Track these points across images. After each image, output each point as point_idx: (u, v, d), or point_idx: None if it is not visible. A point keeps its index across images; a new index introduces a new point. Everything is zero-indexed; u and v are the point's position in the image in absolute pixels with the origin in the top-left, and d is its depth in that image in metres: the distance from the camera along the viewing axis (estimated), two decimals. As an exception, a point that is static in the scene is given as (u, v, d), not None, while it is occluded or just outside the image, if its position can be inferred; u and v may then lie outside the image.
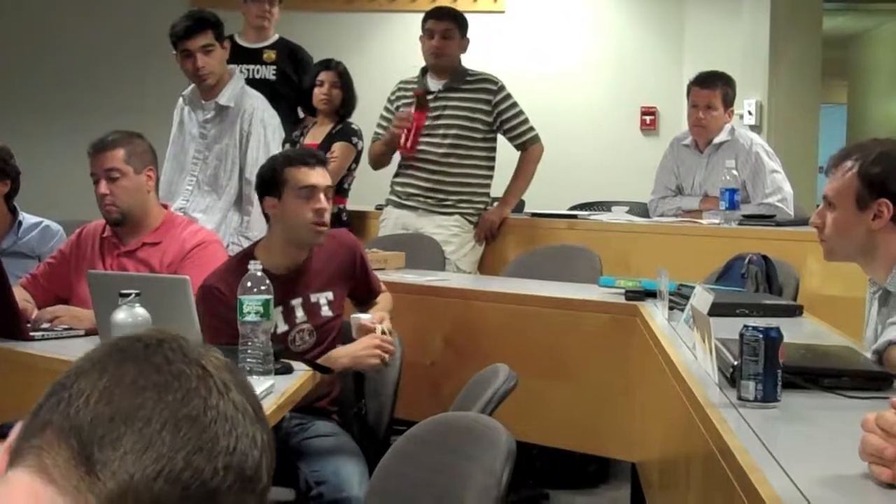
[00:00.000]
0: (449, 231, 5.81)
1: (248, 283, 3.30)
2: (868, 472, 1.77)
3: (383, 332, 3.74)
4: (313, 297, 3.89)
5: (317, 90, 5.88)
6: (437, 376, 4.31)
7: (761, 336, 2.30)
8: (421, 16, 6.05)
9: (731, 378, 2.46)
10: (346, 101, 5.91)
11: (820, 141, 19.69)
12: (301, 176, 3.77)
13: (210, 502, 0.97)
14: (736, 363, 2.40)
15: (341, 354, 3.69)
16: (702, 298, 2.86)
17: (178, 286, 3.38)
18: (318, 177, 3.82)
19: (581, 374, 4.35)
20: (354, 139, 5.83)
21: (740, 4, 7.72)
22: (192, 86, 5.15)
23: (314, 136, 5.89)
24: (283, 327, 3.81)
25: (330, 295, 3.92)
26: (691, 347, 2.96)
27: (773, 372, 2.30)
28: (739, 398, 2.34)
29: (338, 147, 5.75)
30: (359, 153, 5.87)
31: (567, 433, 4.42)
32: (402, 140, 5.75)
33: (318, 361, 3.57)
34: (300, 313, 3.85)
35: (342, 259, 3.98)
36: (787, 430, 2.27)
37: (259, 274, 3.32)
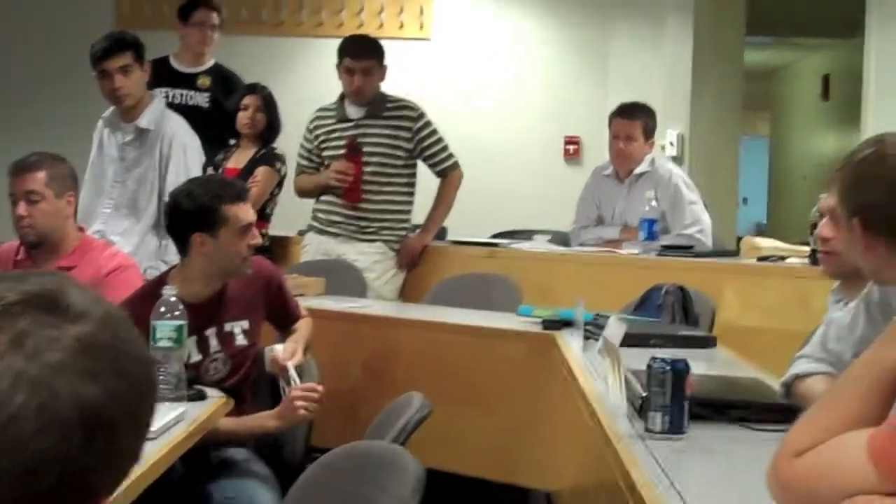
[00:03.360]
0: (371, 258, 5.80)
1: (162, 309, 3.28)
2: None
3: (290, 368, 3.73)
4: (227, 326, 3.84)
5: (241, 114, 5.85)
6: (355, 403, 4.29)
7: (668, 368, 2.32)
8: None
9: (641, 409, 2.47)
10: (269, 125, 5.88)
11: (742, 172, 19.96)
12: (240, 214, 3.70)
13: None
14: (644, 394, 2.42)
15: (268, 419, 3.66)
16: (614, 328, 2.87)
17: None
18: (252, 212, 3.79)
19: (498, 402, 4.35)
20: (277, 164, 5.81)
21: (663, 37, 7.80)
22: (113, 108, 5.11)
23: (237, 160, 5.86)
24: (196, 356, 3.76)
25: (245, 324, 3.87)
26: (604, 378, 2.98)
27: (679, 404, 2.32)
28: (647, 430, 2.35)
29: (261, 172, 5.73)
30: (282, 178, 5.85)
31: (484, 462, 4.41)
32: (346, 193, 5.75)
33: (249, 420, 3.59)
34: (214, 342, 3.81)
35: (258, 287, 3.94)
36: (692, 462, 2.28)
37: (173, 299, 3.29)
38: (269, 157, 5.81)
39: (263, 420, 3.66)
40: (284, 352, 3.80)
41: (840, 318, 2.79)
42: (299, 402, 3.61)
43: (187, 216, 3.71)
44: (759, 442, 1.83)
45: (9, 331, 1.02)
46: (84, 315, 1.07)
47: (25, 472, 1.00)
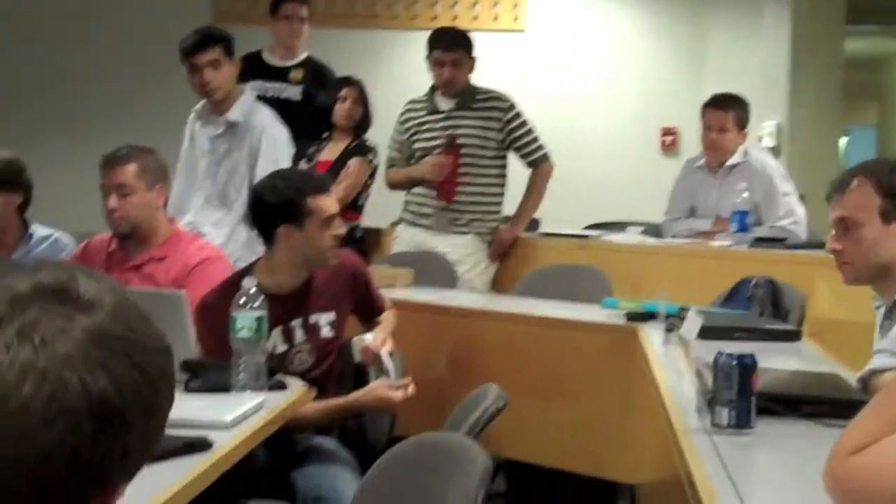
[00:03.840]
0: (462, 250, 5.81)
1: (242, 300, 3.32)
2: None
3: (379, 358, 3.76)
4: (313, 318, 3.87)
5: (339, 106, 5.92)
6: (439, 394, 4.30)
7: (735, 363, 2.29)
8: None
9: (709, 404, 2.45)
10: (364, 117, 5.96)
11: (851, 162, 19.57)
12: (325, 206, 3.74)
13: None
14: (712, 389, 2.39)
15: (353, 405, 3.71)
16: (692, 322, 2.86)
17: (174, 302, 3.40)
18: (336, 202, 3.84)
19: (582, 395, 4.34)
20: (370, 155, 5.87)
21: (761, 26, 7.69)
22: (204, 101, 5.18)
23: (331, 152, 5.92)
24: (281, 347, 3.80)
25: (331, 315, 3.90)
26: (679, 371, 2.96)
27: (746, 399, 2.29)
28: (713, 424, 2.33)
29: (354, 163, 5.79)
30: (374, 169, 5.90)
31: (567, 454, 4.40)
32: (441, 188, 5.79)
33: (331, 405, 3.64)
34: (300, 333, 3.84)
35: (344, 279, 3.97)
36: (755, 458, 2.26)
37: (253, 290, 3.33)
38: (361, 149, 5.87)
39: (349, 401, 3.69)
40: (375, 340, 3.83)
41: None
42: (397, 393, 3.64)
43: (272, 209, 3.75)
44: (828, 438, 1.79)
45: (17, 322, 1.04)
46: (95, 305, 1.09)
47: (36, 461, 1.02)
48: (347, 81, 6.01)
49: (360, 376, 3.92)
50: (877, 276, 3.04)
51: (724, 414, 2.31)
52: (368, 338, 3.85)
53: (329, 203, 3.77)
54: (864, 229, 2.97)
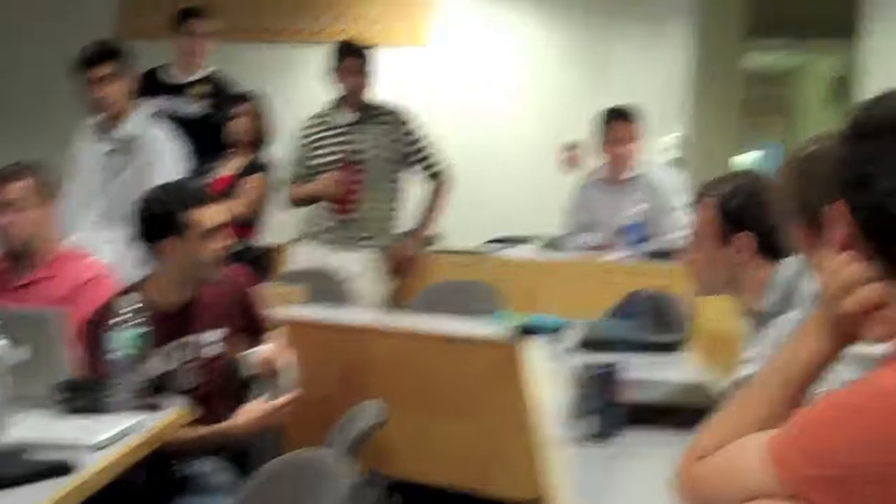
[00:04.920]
0: (361, 265, 5.80)
1: (120, 318, 3.26)
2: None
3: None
4: (201, 335, 3.83)
5: (234, 122, 5.86)
6: (326, 412, 4.23)
7: (600, 373, 2.29)
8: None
9: (579, 415, 2.45)
10: (262, 133, 5.90)
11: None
12: (206, 218, 3.69)
13: None
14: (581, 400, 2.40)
15: (240, 430, 3.65)
16: (574, 335, 2.86)
17: (51, 321, 3.34)
18: (221, 213, 3.78)
19: (470, 410, 4.34)
20: (268, 171, 5.83)
21: (662, 42, 7.76)
22: (99, 116, 5.12)
23: (231, 168, 5.87)
24: (168, 365, 3.75)
25: (218, 333, 3.85)
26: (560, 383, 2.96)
27: (611, 409, 2.30)
28: (581, 435, 2.33)
29: (253, 180, 5.75)
30: (271, 188, 5.86)
31: (459, 471, 4.39)
32: (339, 203, 5.79)
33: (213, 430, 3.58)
34: (187, 351, 3.79)
35: (232, 297, 3.92)
36: (620, 468, 2.27)
37: (131, 308, 3.28)
38: (261, 165, 5.82)
39: (228, 426, 3.65)
40: (274, 351, 3.80)
41: (793, 317, 2.77)
42: (266, 406, 3.62)
43: (154, 222, 3.71)
44: (690, 447, 1.79)
45: None
46: None
47: None
48: (243, 98, 5.96)
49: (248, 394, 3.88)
50: (724, 288, 3.09)
51: (592, 424, 2.31)
52: (264, 350, 3.81)
53: (210, 215, 3.71)
54: (703, 246, 3.03)
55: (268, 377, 3.77)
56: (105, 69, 4.95)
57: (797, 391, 1.72)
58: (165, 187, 3.91)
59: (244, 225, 5.73)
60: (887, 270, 1.62)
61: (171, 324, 3.66)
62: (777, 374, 1.74)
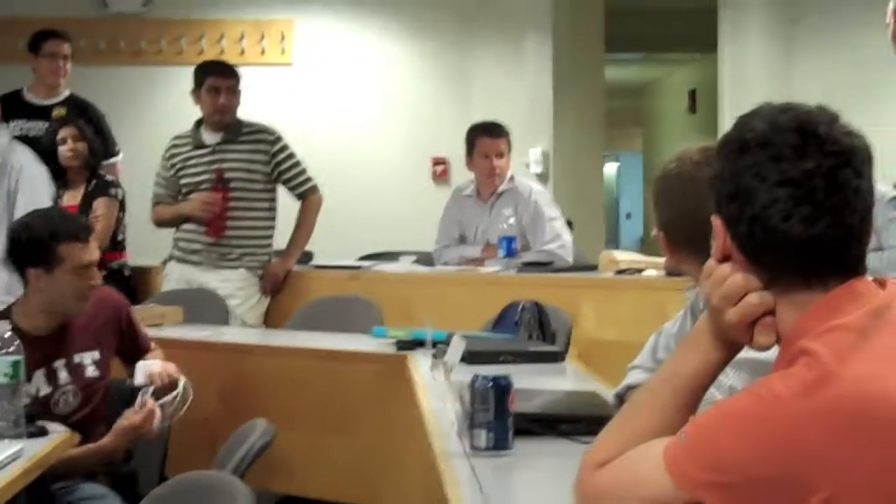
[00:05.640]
0: (234, 285, 5.76)
1: (-6, 346, 3.20)
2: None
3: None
4: (77, 358, 3.78)
5: (62, 148, 5.70)
6: (210, 433, 4.23)
7: (490, 385, 2.33)
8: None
9: (469, 426, 2.48)
10: (93, 151, 5.78)
11: (623, 189, 20.25)
12: (78, 254, 3.63)
13: None
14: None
15: (116, 446, 3.63)
16: (455, 347, 2.89)
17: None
18: (93, 252, 3.72)
19: (355, 425, 4.35)
20: (112, 191, 5.74)
21: (524, 57, 7.88)
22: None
23: (72, 196, 5.72)
24: (45, 390, 3.69)
25: (96, 354, 3.82)
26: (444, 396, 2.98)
27: (503, 420, 2.33)
28: (472, 447, 2.35)
29: (100, 205, 5.65)
30: (121, 203, 5.77)
31: (345, 486, 4.40)
32: (210, 225, 5.74)
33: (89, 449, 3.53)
34: (63, 374, 3.74)
35: (107, 317, 3.88)
36: (513, 479, 2.30)
37: (7, 335, 3.22)
38: (102, 188, 5.73)
39: (99, 444, 3.60)
40: (158, 366, 3.79)
41: (668, 326, 2.83)
42: (137, 417, 3.59)
43: (23, 250, 3.66)
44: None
45: None
46: None
47: None
48: (62, 123, 5.83)
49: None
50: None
51: (483, 436, 2.34)
52: (157, 364, 3.79)
53: (84, 252, 3.65)
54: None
55: (164, 390, 3.75)
56: None
57: (688, 399, 1.77)
58: (42, 214, 3.85)
59: (107, 249, 5.67)
60: (767, 279, 1.68)
61: (43, 348, 3.62)
62: (667, 384, 1.78)
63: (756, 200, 1.63)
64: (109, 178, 5.80)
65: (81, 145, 5.72)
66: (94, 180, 5.75)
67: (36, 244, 3.61)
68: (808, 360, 1.56)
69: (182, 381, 3.77)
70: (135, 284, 5.88)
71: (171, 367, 3.84)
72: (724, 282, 1.69)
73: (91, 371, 3.80)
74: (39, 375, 3.65)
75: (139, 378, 3.78)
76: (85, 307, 3.72)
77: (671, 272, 3.39)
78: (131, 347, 3.99)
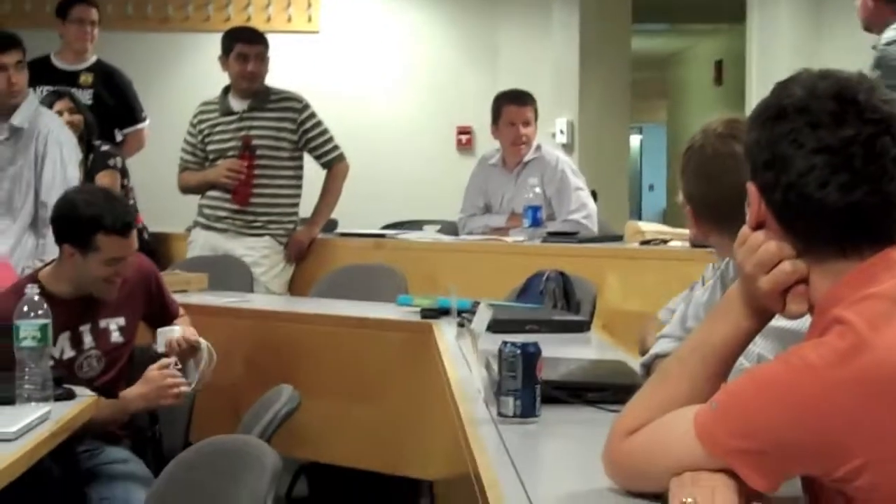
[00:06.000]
0: (259, 252, 5.77)
1: (25, 308, 3.21)
2: (609, 487, 1.80)
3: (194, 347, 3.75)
4: (103, 323, 3.80)
5: None
6: (235, 398, 4.26)
7: (518, 352, 2.32)
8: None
9: (496, 394, 2.48)
10: (88, 124, 5.70)
11: (646, 160, 20.15)
12: (116, 248, 3.61)
13: None
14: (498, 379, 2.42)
15: (133, 397, 3.63)
16: (482, 315, 2.89)
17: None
18: (131, 246, 3.69)
19: (380, 393, 4.36)
20: (111, 161, 5.68)
21: (551, 25, 7.84)
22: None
23: None
24: (69, 353, 3.71)
25: (121, 321, 3.83)
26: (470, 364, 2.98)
27: (531, 387, 2.33)
28: (499, 414, 2.36)
29: (103, 179, 5.56)
30: (122, 171, 5.75)
31: (368, 453, 4.41)
32: (235, 192, 5.75)
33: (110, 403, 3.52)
34: (88, 339, 3.76)
35: (135, 284, 3.89)
36: (540, 446, 2.30)
37: (36, 298, 3.23)
38: (101, 160, 5.66)
39: (129, 396, 3.62)
40: (185, 331, 3.81)
41: (699, 296, 2.82)
42: (169, 391, 3.62)
43: (64, 225, 3.67)
44: (611, 423, 1.83)
45: None
46: None
47: None
48: (58, 95, 5.72)
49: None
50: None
51: (510, 403, 2.34)
52: (177, 330, 3.80)
53: (121, 247, 3.63)
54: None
55: (185, 356, 3.77)
56: (17, 55, 4.86)
57: (718, 367, 1.77)
58: (91, 196, 3.76)
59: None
60: (801, 248, 1.67)
61: (69, 312, 3.63)
62: (697, 352, 1.78)
63: (792, 168, 1.62)
64: (104, 148, 5.73)
65: (77, 118, 5.62)
66: (90, 154, 5.67)
67: (77, 226, 3.61)
68: (842, 329, 1.55)
69: (204, 344, 3.78)
70: (155, 249, 5.89)
71: (191, 332, 3.84)
72: (758, 249, 1.69)
73: (116, 336, 3.82)
74: (64, 339, 3.67)
75: (159, 346, 3.80)
76: (111, 295, 3.73)
77: (696, 244, 3.38)
78: (159, 313, 4.01)
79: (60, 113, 5.63)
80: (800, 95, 1.63)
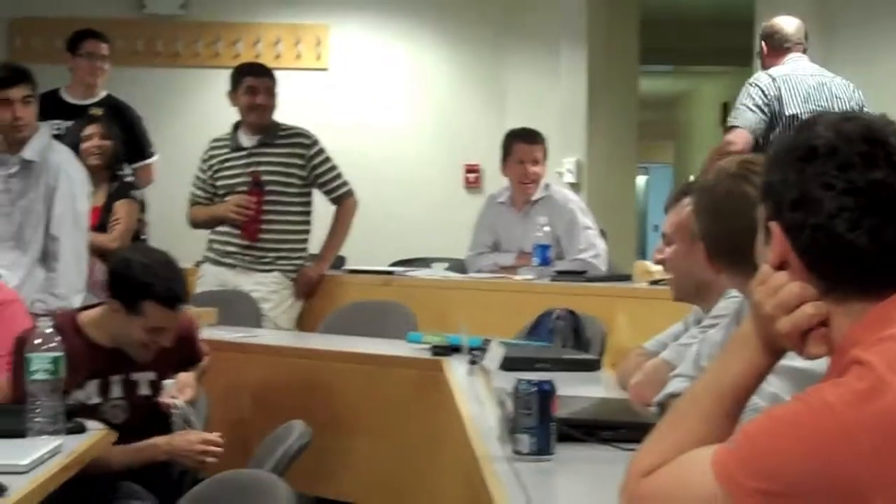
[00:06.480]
0: (267, 288, 5.79)
1: (37, 341, 3.22)
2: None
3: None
4: (134, 376, 3.74)
5: (86, 145, 5.62)
6: (244, 433, 4.26)
7: (534, 389, 2.33)
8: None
9: (510, 432, 2.48)
10: (116, 152, 5.73)
11: (652, 200, 20.15)
12: (161, 318, 3.57)
13: None
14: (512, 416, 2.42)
15: (162, 446, 3.60)
16: (494, 352, 2.90)
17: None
18: (175, 319, 3.64)
19: (389, 430, 4.36)
20: (133, 193, 5.72)
21: (559, 66, 7.88)
22: (-1, 138, 5.03)
23: (95, 198, 5.71)
24: (95, 399, 3.68)
25: (152, 375, 3.77)
26: (482, 401, 2.99)
27: (546, 425, 2.33)
28: (515, 452, 2.36)
29: (121, 207, 5.59)
30: (141, 205, 5.78)
31: (376, 490, 4.41)
32: (245, 228, 5.77)
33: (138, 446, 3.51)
34: (117, 389, 3.71)
35: (173, 345, 3.83)
36: (556, 483, 2.29)
37: (49, 331, 3.24)
38: (124, 189, 5.69)
39: (159, 443, 3.60)
40: (176, 386, 3.75)
41: (712, 335, 2.82)
42: (199, 457, 3.57)
43: (115, 281, 3.62)
44: (625, 461, 1.83)
45: None
46: None
47: None
48: (90, 119, 5.80)
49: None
50: (696, 293, 3.11)
51: (525, 441, 2.34)
52: (169, 384, 3.76)
53: (166, 318, 3.59)
54: (676, 246, 3.04)
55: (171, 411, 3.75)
56: (25, 90, 4.86)
57: (732, 406, 1.76)
58: (149, 260, 3.67)
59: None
60: (823, 288, 1.67)
61: (104, 360, 3.63)
62: (710, 390, 1.77)
63: (822, 209, 1.61)
64: (129, 179, 5.78)
65: (106, 144, 5.67)
66: (115, 182, 5.71)
67: (128, 286, 3.57)
68: (861, 370, 1.55)
69: (180, 408, 3.67)
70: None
71: (183, 384, 3.75)
72: (780, 290, 1.68)
73: (144, 390, 3.76)
74: (93, 385, 3.65)
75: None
76: (145, 358, 3.69)
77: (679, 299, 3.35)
78: (188, 363, 3.96)
79: (90, 137, 5.67)
80: (828, 137, 1.64)
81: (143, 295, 3.53)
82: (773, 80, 5.44)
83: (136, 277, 3.55)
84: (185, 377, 3.80)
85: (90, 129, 5.68)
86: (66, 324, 3.55)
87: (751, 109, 5.40)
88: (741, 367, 1.75)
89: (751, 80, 5.57)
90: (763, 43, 5.74)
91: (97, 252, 5.09)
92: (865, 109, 5.37)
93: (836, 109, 5.27)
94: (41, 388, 3.16)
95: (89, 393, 3.63)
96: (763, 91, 5.41)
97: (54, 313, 3.82)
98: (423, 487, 4.19)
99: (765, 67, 5.66)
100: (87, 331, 3.55)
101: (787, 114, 5.38)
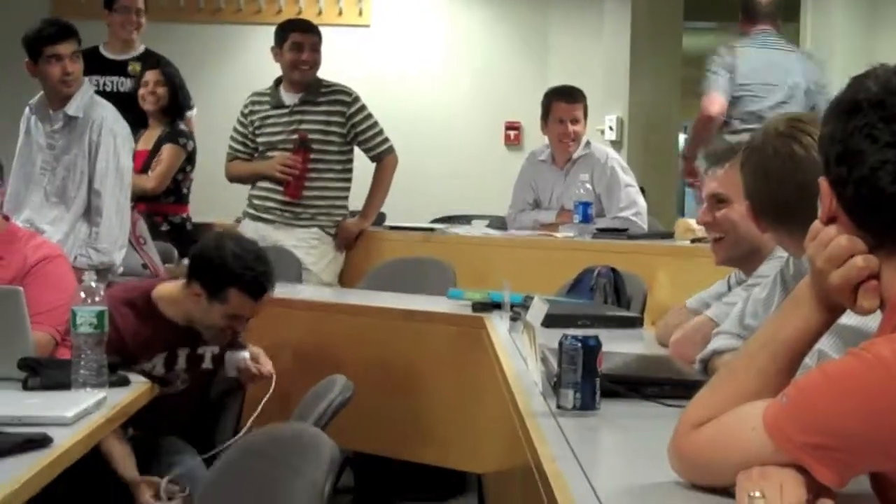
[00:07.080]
0: (308, 243, 5.80)
1: (82, 294, 3.23)
2: (675, 480, 1.79)
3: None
4: (200, 350, 3.78)
5: (142, 90, 5.78)
6: (285, 388, 4.25)
7: (579, 345, 2.32)
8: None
9: (555, 387, 2.47)
10: (173, 99, 5.80)
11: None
12: (243, 307, 3.59)
13: None
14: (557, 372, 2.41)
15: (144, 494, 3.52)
16: (536, 309, 2.88)
17: (11, 298, 3.29)
18: (256, 310, 3.66)
19: (430, 385, 4.37)
20: (182, 140, 5.76)
21: (602, 22, 7.83)
22: (39, 95, 5.04)
23: (146, 141, 5.76)
24: (160, 370, 3.70)
25: (216, 349, 3.80)
26: (525, 357, 2.98)
27: (591, 381, 2.32)
28: (559, 407, 2.35)
29: (165, 150, 5.68)
30: (190, 154, 5.80)
31: (415, 445, 4.43)
32: (288, 187, 5.78)
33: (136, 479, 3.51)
34: (181, 362, 3.74)
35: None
36: (600, 439, 2.29)
37: (93, 285, 3.25)
38: (173, 135, 5.76)
39: (138, 488, 3.52)
40: (257, 360, 3.81)
41: (757, 293, 2.81)
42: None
43: (202, 264, 3.63)
44: (670, 418, 1.83)
45: None
46: None
47: None
48: (152, 65, 5.87)
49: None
50: (745, 257, 3.08)
51: (570, 396, 2.33)
52: (245, 354, 3.78)
53: (248, 308, 3.61)
54: (737, 205, 2.99)
55: (253, 380, 3.78)
56: (73, 45, 4.88)
57: (787, 362, 1.75)
58: (240, 248, 3.66)
59: (173, 202, 5.73)
60: (873, 243, 1.65)
61: (175, 335, 3.68)
62: (766, 347, 1.77)
63: (865, 162, 1.60)
64: (183, 128, 5.83)
65: (162, 90, 5.76)
66: (168, 130, 5.78)
67: (216, 272, 3.58)
68: (915, 325, 1.54)
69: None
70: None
71: (263, 359, 3.83)
72: (829, 244, 1.67)
73: (207, 363, 3.79)
74: (160, 357, 3.68)
75: (229, 370, 3.79)
76: (219, 343, 3.73)
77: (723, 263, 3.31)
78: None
79: (147, 83, 5.71)
80: (875, 90, 1.62)
81: (230, 282, 3.54)
82: (732, 49, 6.14)
83: (228, 264, 3.55)
84: (256, 350, 3.86)
85: (148, 76, 5.76)
86: (143, 304, 3.61)
87: (717, 73, 6.06)
88: (797, 324, 1.75)
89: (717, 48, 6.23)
90: (741, 12, 6.36)
91: (135, 193, 5.11)
92: (823, 85, 6.00)
93: (789, 83, 6.01)
94: (86, 342, 3.17)
95: (156, 363, 3.66)
96: (723, 58, 6.09)
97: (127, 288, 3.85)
98: (463, 443, 4.20)
99: (740, 35, 6.34)
100: (161, 307, 3.59)
101: (737, 82, 6.03)
